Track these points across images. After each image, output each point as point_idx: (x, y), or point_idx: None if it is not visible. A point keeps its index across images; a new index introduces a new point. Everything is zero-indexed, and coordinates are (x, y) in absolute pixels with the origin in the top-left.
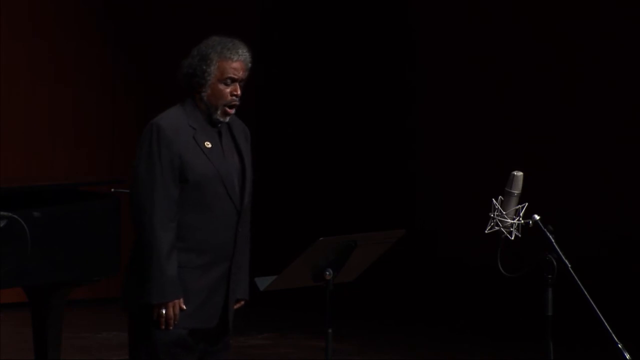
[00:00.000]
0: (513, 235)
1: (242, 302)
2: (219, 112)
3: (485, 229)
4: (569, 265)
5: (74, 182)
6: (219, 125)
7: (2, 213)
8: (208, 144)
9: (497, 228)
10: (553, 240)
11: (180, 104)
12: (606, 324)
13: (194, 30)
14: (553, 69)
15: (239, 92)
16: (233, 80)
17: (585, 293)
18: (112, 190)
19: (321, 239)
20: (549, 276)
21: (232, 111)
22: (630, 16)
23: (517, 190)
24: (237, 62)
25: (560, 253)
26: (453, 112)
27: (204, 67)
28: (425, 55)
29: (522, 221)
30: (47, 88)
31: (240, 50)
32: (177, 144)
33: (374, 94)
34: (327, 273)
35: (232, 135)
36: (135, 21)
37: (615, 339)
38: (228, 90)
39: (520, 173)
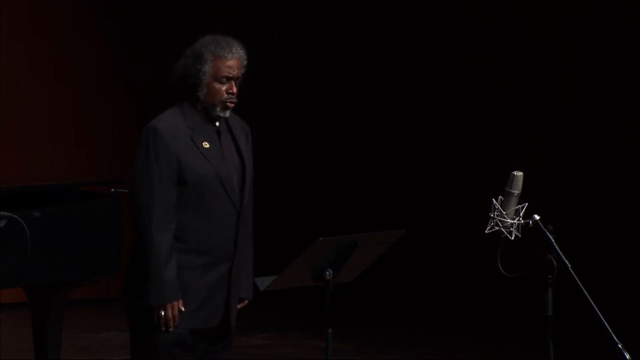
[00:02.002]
0: (513, 235)
1: (246, 302)
2: (217, 108)
3: (485, 229)
4: (569, 265)
5: (74, 182)
6: (218, 124)
7: (2, 213)
8: (206, 144)
9: (497, 228)
10: (553, 240)
11: (178, 106)
12: (606, 324)
13: (194, 30)
14: (553, 69)
15: (234, 90)
16: (229, 79)
17: (585, 293)
18: (112, 190)
19: (321, 239)
20: (549, 276)
21: (231, 105)
22: (630, 16)
23: (517, 190)
24: (232, 60)
25: (560, 253)
26: (453, 112)
27: (199, 67)
28: (425, 55)
29: (522, 221)
30: (47, 88)
31: (234, 49)
32: (175, 146)
33: (373, 94)
34: (327, 273)
35: (231, 134)
36: (135, 21)
37: (615, 339)
38: (224, 88)
39: (520, 173)
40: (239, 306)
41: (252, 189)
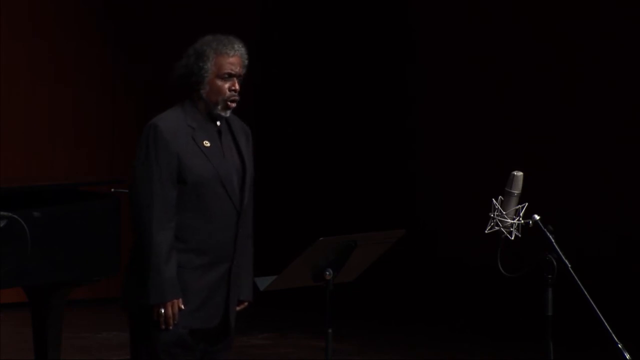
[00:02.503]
0: (513, 235)
1: (246, 304)
2: (219, 107)
3: (485, 229)
4: (569, 265)
5: (74, 182)
6: (219, 123)
7: (2, 213)
8: (207, 143)
9: (497, 228)
10: (553, 240)
11: (179, 105)
12: (606, 324)
13: (194, 30)
14: (553, 69)
15: (237, 87)
16: (231, 76)
17: (585, 293)
18: (112, 190)
19: (321, 239)
20: (549, 276)
21: (233, 105)
22: (630, 16)
23: (517, 190)
24: (234, 57)
25: (560, 253)
26: (453, 112)
27: (201, 64)
28: (425, 55)
29: (522, 221)
30: (47, 88)
31: (236, 46)
32: (175, 144)
33: (373, 94)
34: (327, 273)
35: (232, 134)
36: (135, 21)
37: (615, 339)
38: (227, 85)
39: (520, 173)
40: (238, 308)
41: (252, 189)
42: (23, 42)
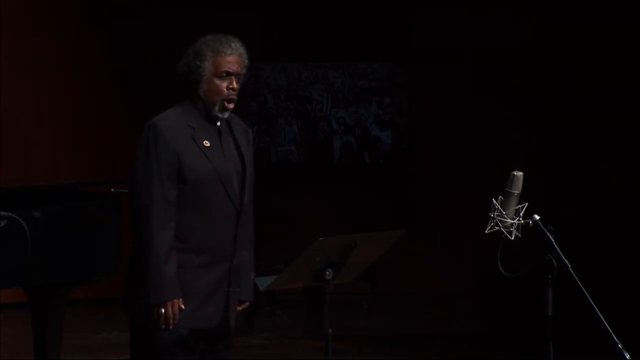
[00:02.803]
0: (513, 235)
1: (247, 304)
2: (217, 107)
3: (485, 229)
4: (569, 265)
5: (74, 182)
6: (219, 123)
7: (2, 213)
8: (207, 143)
9: (497, 228)
10: (553, 240)
11: (179, 104)
12: (606, 324)
13: (194, 30)
14: (553, 69)
15: (235, 85)
16: (229, 74)
17: (585, 293)
18: (112, 190)
19: (321, 239)
20: (549, 276)
21: (231, 105)
22: (630, 16)
23: (517, 190)
24: (231, 56)
25: (560, 253)
26: (453, 112)
27: (199, 63)
28: (425, 55)
29: (522, 221)
30: (47, 88)
31: (233, 45)
32: (175, 144)
33: (373, 94)
34: (327, 273)
35: (232, 134)
36: (135, 21)
37: (615, 339)
38: (224, 84)
39: (520, 173)
40: (239, 308)
41: (252, 190)
42: (23, 41)
